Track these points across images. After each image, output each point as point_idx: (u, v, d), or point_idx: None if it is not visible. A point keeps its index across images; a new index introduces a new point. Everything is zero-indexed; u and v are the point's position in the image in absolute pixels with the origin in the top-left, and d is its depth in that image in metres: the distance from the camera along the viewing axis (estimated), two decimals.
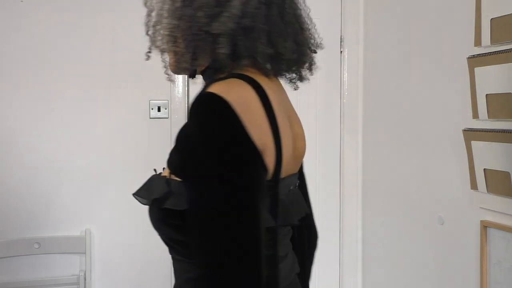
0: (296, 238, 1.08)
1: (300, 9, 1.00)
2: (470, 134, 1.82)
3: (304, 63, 1.01)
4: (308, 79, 1.06)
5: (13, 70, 2.38)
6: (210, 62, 0.92)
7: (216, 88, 0.82)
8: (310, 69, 1.04)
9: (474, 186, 1.84)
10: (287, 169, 0.92)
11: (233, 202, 0.77)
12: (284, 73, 1.01)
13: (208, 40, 0.87)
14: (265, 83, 0.90)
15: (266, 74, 0.94)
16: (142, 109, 2.52)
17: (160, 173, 0.96)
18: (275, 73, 0.98)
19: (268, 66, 0.93)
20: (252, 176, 0.80)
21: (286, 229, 0.98)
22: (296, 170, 1.02)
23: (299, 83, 1.07)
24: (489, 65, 1.72)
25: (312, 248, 1.18)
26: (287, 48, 0.92)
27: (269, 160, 0.84)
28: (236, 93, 0.82)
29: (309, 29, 1.02)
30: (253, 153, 0.80)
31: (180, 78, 2.54)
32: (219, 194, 0.77)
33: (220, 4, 0.87)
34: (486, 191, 1.78)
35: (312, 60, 1.04)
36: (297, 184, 1.04)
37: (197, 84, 0.99)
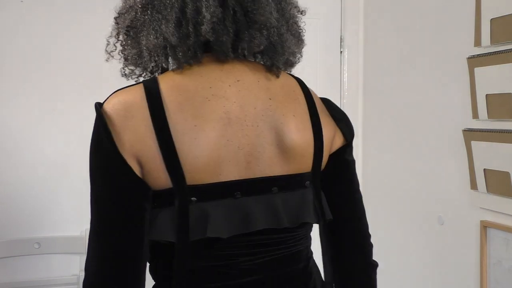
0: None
1: None
2: (470, 134, 1.82)
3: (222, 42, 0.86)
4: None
5: (13, 70, 2.37)
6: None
7: (109, 96, 0.87)
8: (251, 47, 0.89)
9: (474, 186, 1.84)
10: (211, 174, 0.83)
11: (92, 203, 0.87)
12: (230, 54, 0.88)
13: None
14: (180, 85, 0.85)
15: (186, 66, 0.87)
16: None
17: None
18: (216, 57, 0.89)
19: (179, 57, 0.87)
20: (102, 183, 0.84)
21: (229, 243, 0.85)
22: (243, 175, 0.86)
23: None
24: (489, 65, 1.72)
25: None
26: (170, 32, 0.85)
27: (151, 167, 0.82)
28: (114, 101, 0.84)
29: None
30: (113, 163, 0.82)
31: None
32: (91, 194, 0.88)
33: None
34: (486, 191, 1.78)
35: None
36: (273, 190, 0.88)
37: (139, 77, 1.01)
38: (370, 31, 2.67)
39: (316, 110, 0.94)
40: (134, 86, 0.86)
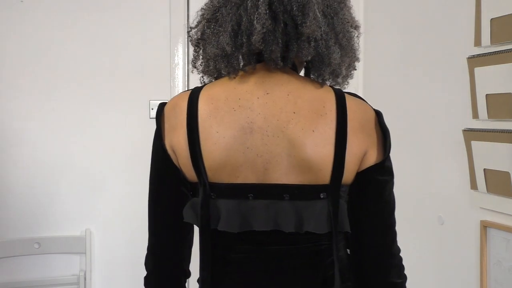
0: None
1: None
2: (470, 134, 1.82)
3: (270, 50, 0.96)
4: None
5: (13, 70, 2.38)
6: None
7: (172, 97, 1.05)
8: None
9: (474, 186, 1.84)
10: (229, 175, 0.97)
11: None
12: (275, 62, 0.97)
13: None
14: (214, 95, 0.99)
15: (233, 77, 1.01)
16: (142, 109, 2.52)
17: None
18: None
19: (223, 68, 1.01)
20: (153, 165, 1.03)
21: (231, 235, 0.97)
22: (259, 180, 0.97)
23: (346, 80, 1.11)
24: (489, 65, 1.72)
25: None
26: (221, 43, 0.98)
27: (182, 161, 0.99)
28: (170, 102, 1.03)
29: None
30: (159, 148, 1.00)
31: (180, 79, 2.54)
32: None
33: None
34: (486, 191, 1.78)
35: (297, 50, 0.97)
36: (285, 197, 0.97)
37: (196, 84, 1.08)
38: (370, 31, 2.67)
39: (345, 126, 0.97)
40: (187, 91, 1.02)
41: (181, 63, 2.55)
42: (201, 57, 1.05)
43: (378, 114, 1.07)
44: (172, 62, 2.54)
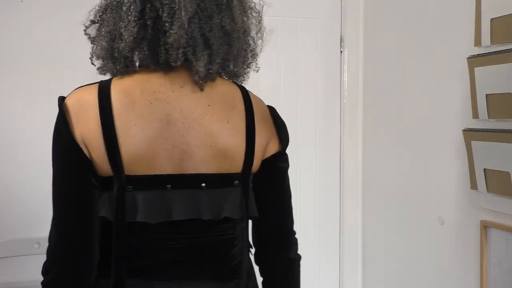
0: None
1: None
2: (470, 134, 1.82)
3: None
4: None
5: (13, 70, 2.38)
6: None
7: (71, 92, 1.04)
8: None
9: (474, 186, 1.84)
10: (147, 167, 0.98)
11: (52, 184, 0.98)
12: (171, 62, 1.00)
13: None
14: (127, 89, 0.99)
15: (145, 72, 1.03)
16: None
17: None
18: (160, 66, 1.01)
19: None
20: (58, 159, 0.98)
21: (148, 226, 0.99)
22: (176, 170, 1.00)
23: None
24: (489, 65, 1.72)
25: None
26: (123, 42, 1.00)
27: (96, 154, 0.96)
28: (73, 97, 1.02)
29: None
30: (66, 140, 0.96)
31: None
32: (52, 176, 0.99)
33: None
34: (486, 191, 1.78)
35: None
36: (201, 186, 1.01)
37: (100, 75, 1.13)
38: (370, 31, 2.67)
39: (253, 118, 1.05)
40: (92, 85, 1.03)
41: None
42: (95, 55, 1.09)
43: (271, 109, 1.15)
44: None
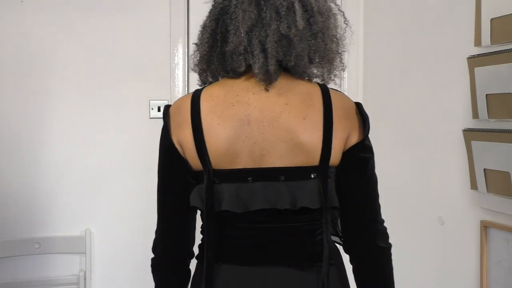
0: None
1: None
2: (470, 134, 1.82)
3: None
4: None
5: (13, 70, 2.38)
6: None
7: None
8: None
9: (474, 186, 1.84)
10: (230, 162, 1.10)
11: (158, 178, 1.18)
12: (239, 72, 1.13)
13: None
14: (213, 94, 1.14)
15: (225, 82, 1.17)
16: (142, 109, 2.52)
17: None
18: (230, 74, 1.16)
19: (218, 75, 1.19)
20: (161, 159, 1.16)
21: (237, 215, 1.11)
22: (257, 165, 1.11)
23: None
24: (489, 65, 1.72)
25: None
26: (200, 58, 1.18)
27: (188, 152, 1.11)
28: (174, 104, 1.17)
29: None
30: (167, 143, 1.14)
31: (180, 79, 2.54)
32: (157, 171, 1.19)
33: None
34: (486, 191, 1.78)
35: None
36: (280, 178, 1.11)
37: (196, 85, 1.23)
38: (370, 31, 2.67)
39: (331, 115, 1.12)
40: (189, 94, 1.16)
41: (181, 63, 2.54)
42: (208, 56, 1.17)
43: (358, 105, 1.21)
44: (172, 62, 2.54)
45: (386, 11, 2.52)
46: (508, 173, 1.66)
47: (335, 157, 1.13)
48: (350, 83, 2.74)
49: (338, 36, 1.24)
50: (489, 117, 1.74)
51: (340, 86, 2.75)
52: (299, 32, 1.11)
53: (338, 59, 1.24)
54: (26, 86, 2.39)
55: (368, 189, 1.19)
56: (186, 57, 2.55)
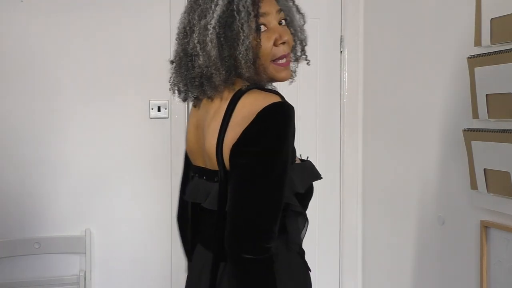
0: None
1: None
2: (470, 134, 1.82)
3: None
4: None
5: (13, 70, 2.38)
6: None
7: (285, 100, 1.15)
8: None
9: (474, 186, 1.84)
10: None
11: (277, 175, 1.14)
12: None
13: None
14: None
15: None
16: (142, 109, 2.52)
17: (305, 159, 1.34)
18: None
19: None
20: (285, 157, 1.14)
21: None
22: (198, 164, 1.26)
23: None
24: (489, 65, 1.72)
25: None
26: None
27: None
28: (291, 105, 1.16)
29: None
30: (292, 145, 1.17)
31: None
32: (276, 169, 1.15)
33: None
34: (486, 191, 1.78)
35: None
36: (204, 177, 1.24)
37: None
38: (370, 31, 2.67)
39: (228, 121, 1.13)
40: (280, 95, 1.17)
41: None
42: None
43: (263, 110, 1.11)
44: None
45: (386, 11, 2.52)
46: (508, 173, 1.66)
47: (227, 163, 1.14)
48: (350, 83, 2.74)
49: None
50: (489, 117, 1.74)
51: (340, 87, 2.76)
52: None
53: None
54: (26, 86, 2.39)
55: (236, 196, 1.12)
56: None
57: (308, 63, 1.35)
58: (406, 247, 2.33)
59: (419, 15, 2.23)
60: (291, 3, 1.29)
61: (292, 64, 1.28)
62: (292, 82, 1.32)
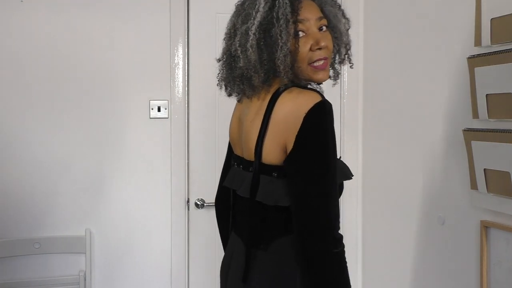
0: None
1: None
2: (470, 134, 1.82)
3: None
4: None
5: (13, 70, 2.38)
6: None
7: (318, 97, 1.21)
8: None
9: (474, 186, 1.84)
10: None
11: (331, 175, 1.24)
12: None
13: None
14: None
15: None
16: (142, 109, 2.52)
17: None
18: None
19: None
20: (333, 148, 1.23)
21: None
22: (237, 153, 1.40)
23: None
24: (489, 65, 1.72)
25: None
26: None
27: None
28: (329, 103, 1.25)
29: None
30: (334, 136, 1.23)
31: (180, 79, 2.54)
32: (329, 168, 1.23)
33: None
34: (486, 191, 1.78)
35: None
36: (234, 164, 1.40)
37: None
38: (370, 31, 2.67)
39: (269, 120, 1.23)
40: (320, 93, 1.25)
41: (181, 63, 2.54)
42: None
43: (310, 111, 1.18)
44: (172, 62, 2.54)
45: (386, 11, 2.52)
46: (508, 173, 1.66)
47: (268, 156, 1.24)
48: (350, 83, 2.74)
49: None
50: (489, 117, 1.74)
51: (340, 87, 2.75)
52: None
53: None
54: (26, 85, 2.39)
55: (296, 200, 1.20)
56: (186, 57, 2.55)
57: (351, 66, 1.47)
58: (406, 247, 2.33)
59: (419, 15, 2.23)
60: (337, 9, 1.40)
61: (337, 66, 1.45)
62: (335, 84, 1.49)
